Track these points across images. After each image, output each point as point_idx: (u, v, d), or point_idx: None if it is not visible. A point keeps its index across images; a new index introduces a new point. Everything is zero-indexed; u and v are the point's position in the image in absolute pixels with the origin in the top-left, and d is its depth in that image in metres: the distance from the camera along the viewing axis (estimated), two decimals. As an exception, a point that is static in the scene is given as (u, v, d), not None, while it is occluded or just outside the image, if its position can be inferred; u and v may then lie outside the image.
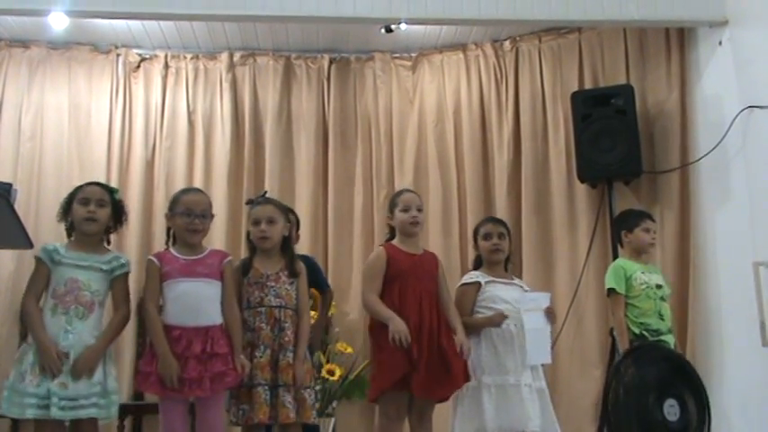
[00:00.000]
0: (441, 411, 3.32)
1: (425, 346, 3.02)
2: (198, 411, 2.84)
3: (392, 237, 3.30)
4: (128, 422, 4.21)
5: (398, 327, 2.95)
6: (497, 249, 3.37)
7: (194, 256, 2.89)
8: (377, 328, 3.08)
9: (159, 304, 2.84)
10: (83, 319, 2.76)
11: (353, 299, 4.69)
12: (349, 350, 4.42)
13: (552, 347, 3.38)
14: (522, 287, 3.44)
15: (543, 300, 3.33)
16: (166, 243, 2.99)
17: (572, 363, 4.38)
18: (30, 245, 2.80)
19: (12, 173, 4.53)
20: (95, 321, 2.80)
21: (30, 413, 2.62)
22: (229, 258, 2.97)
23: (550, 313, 3.30)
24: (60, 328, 2.72)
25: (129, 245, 4.51)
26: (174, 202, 2.96)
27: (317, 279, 3.53)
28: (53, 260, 2.79)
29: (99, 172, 4.60)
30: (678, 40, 4.44)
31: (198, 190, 3.23)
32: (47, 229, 4.48)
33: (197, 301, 2.82)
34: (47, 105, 4.75)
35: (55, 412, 2.62)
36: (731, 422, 3.89)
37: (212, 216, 3.01)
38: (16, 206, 2.76)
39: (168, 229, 3.00)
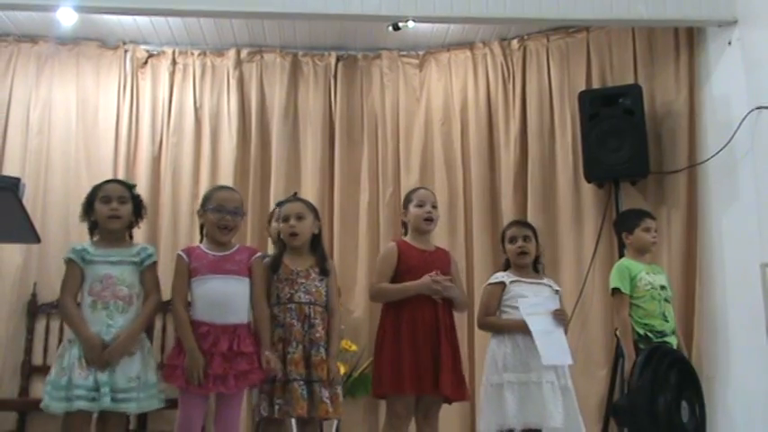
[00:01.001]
0: (456, 411, 3.33)
1: (436, 346, 3.05)
2: (218, 407, 2.87)
3: (405, 234, 3.32)
4: (132, 416, 4.22)
5: (426, 282, 3.06)
6: (523, 252, 3.39)
7: (223, 253, 2.93)
8: (388, 328, 3.11)
9: (187, 300, 2.88)
10: (123, 313, 2.82)
11: (359, 296, 4.70)
12: (353, 348, 4.43)
13: None
14: (551, 286, 3.43)
15: (545, 302, 3.32)
16: (200, 240, 3.04)
17: (577, 362, 4.32)
18: (37, 239, 2.81)
19: (20, 168, 4.55)
20: (134, 314, 2.85)
21: (78, 405, 2.66)
22: (258, 254, 3.01)
23: (558, 316, 3.30)
24: (103, 323, 2.78)
25: (135, 240, 4.51)
26: (207, 199, 3.01)
27: None
28: (84, 259, 2.85)
29: (106, 167, 4.63)
30: (687, 40, 4.42)
31: (230, 188, 3.30)
32: (54, 224, 4.51)
33: (225, 299, 2.86)
34: (55, 101, 4.77)
35: (107, 403, 2.67)
36: (736, 423, 3.89)
37: (244, 214, 3.06)
38: (24, 200, 2.77)
39: (201, 226, 3.05)
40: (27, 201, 3.86)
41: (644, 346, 3.44)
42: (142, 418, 4.34)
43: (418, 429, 3.15)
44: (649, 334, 3.51)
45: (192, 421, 2.81)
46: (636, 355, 3.42)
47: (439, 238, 4.70)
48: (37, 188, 4.56)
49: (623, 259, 3.76)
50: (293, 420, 3.04)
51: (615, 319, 3.80)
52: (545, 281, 3.46)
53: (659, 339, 3.50)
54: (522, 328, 3.23)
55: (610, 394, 4.07)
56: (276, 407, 2.82)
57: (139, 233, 4.50)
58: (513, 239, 3.42)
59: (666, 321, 3.56)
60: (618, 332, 3.70)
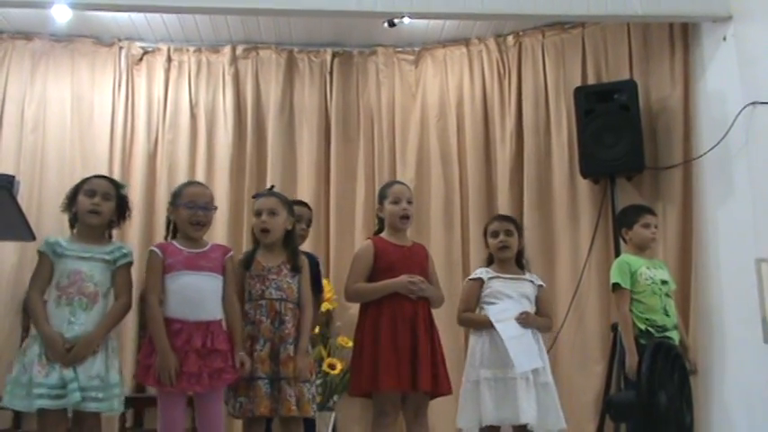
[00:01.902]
0: (443, 407, 3.34)
1: (415, 342, 3.04)
2: (197, 406, 2.85)
3: (380, 228, 3.30)
4: (129, 414, 4.22)
5: (403, 282, 3.05)
6: (504, 246, 3.40)
7: (197, 250, 2.90)
8: (367, 326, 3.10)
9: (160, 296, 2.83)
10: (87, 311, 2.76)
11: (353, 293, 4.69)
12: (350, 344, 4.40)
13: (549, 350, 3.43)
14: (532, 282, 3.44)
15: (513, 307, 3.32)
16: (166, 237, 2.98)
17: (573, 358, 4.38)
18: (32, 237, 2.81)
19: (14, 165, 4.53)
20: (99, 313, 2.79)
21: (39, 404, 2.62)
22: (231, 253, 2.98)
23: (521, 320, 3.29)
24: (64, 319, 2.72)
25: (131, 237, 4.52)
26: (177, 195, 2.96)
27: (316, 279, 3.54)
28: (55, 252, 2.79)
29: (101, 164, 4.61)
30: (682, 36, 4.43)
31: (200, 183, 3.25)
32: (49, 222, 4.49)
33: (199, 295, 2.82)
34: (49, 98, 4.75)
35: (76, 398, 2.62)
36: (732, 418, 3.89)
37: (215, 208, 3.01)
38: (19, 198, 2.76)
39: (168, 223, 3.00)
40: (22, 198, 3.83)
41: (645, 342, 3.43)
42: (138, 415, 4.34)
43: (408, 428, 3.14)
44: (650, 329, 3.50)
45: (175, 422, 2.78)
46: (637, 349, 3.41)
47: (435, 233, 4.73)
48: (32, 186, 4.54)
49: (623, 254, 3.77)
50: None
51: (614, 314, 3.80)
52: (527, 276, 3.47)
53: (660, 334, 3.49)
54: (490, 325, 3.25)
55: (606, 390, 4.08)
56: (238, 405, 2.81)
57: (135, 231, 4.54)
58: (494, 234, 3.42)
59: (668, 316, 3.56)
60: (619, 327, 3.69)
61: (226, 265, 2.91)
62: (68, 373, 2.65)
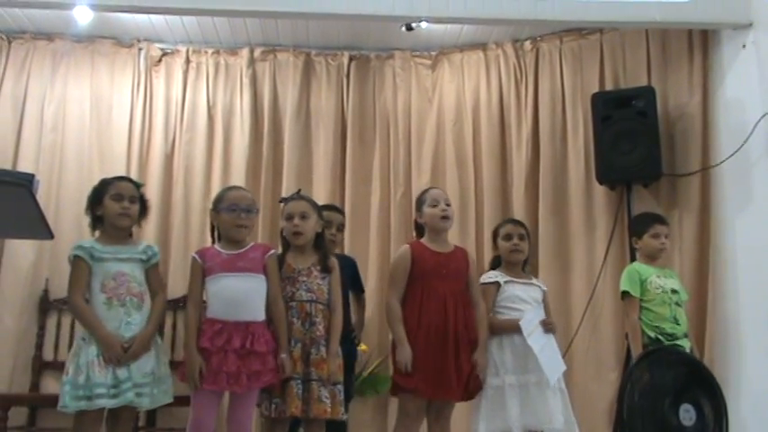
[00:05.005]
0: (458, 409, 3.33)
1: (447, 351, 3.04)
2: (230, 406, 2.88)
3: (420, 236, 3.30)
4: (142, 414, 4.23)
5: (404, 355, 3.00)
6: (517, 250, 3.40)
7: (235, 251, 2.95)
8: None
9: (201, 301, 2.90)
10: (138, 310, 2.86)
11: (369, 296, 4.65)
12: (363, 347, 4.42)
13: (563, 356, 3.42)
14: (540, 287, 3.44)
15: (537, 315, 3.30)
16: (212, 242, 3.05)
17: (587, 365, 4.36)
18: (50, 236, 2.81)
19: (34, 164, 4.58)
20: (147, 310, 2.89)
21: (100, 403, 2.69)
22: (272, 252, 3.01)
23: (546, 325, 3.28)
24: (120, 320, 2.80)
25: (147, 237, 4.53)
26: (219, 200, 3.03)
27: (356, 280, 3.57)
28: (93, 257, 2.86)
29: (119, 164, 4.64)
30: (701, 43, 4.40)
31: (241, 187, 3.34)
32: (67, 220, 4.54)
33: (237, 296, 2.87)
34: (69, 98, 4.80)
35: (130, 398, 2.71)
36: (748, 427, 3.85)
37: (257, 211, 3.08)
38: (37, 197, 2.78)
39: (212, 228, 3.07)
40: (40, 197, 3.87)
41: None
42: (151, 415, 4.36)
43: (429, 429, 3.15)
44: (660, 337, 3.49)
45: (204, 421, 2.80)
46: None
47: (450, 238, 4.67)
48: (50, 185, 4.58)
49: (634, 263, 3.76)
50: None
51: (625, 322, 3.78)
52: (534, 281, 3.48)
53: (670, 342, 3.48)
54: (517, 329, 3.23)
55: (620, 397, 4.04)
56: (273, 406, 2.83)
57: (151, 230, 4.57)
58: (508, 237, 3.42)
59: (678, 324, 3.54)
60: (628, 336, 3.68)
61: (267, 265, 2.94)
62: (122, 372, 2.73)
